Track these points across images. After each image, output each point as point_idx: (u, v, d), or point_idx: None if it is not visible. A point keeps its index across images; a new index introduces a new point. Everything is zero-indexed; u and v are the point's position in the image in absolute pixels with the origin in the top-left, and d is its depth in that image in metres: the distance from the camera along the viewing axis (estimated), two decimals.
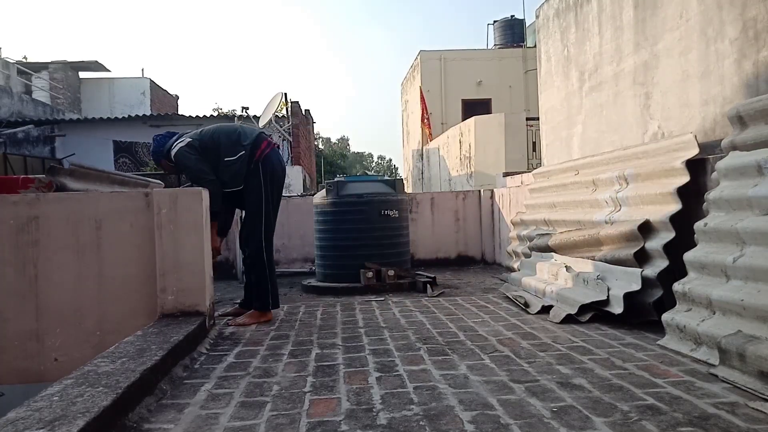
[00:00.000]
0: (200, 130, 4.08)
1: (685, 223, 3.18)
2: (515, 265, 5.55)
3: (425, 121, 16.91)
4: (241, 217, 4.48)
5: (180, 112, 18.43)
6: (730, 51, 3.74)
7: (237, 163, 3.88)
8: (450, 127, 15.22)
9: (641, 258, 3.46)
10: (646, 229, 3.50)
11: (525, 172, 7.37)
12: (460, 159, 13.16)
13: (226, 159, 3.89)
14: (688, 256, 2.92)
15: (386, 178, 6.75)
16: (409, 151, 21.31)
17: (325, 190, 5.56)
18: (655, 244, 3.39)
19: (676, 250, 3.17)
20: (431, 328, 3.50)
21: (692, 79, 4.16)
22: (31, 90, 17.93)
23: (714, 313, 2.62)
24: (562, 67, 6.53)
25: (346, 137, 69.91)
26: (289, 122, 12.92)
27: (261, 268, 3.97)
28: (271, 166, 3.98)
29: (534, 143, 11.09)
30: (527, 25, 19.32)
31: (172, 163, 4.03)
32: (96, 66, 19.62)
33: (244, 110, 12.31)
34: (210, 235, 3.56)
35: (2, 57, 17.70)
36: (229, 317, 3.94)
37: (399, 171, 50.05)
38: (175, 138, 4.03)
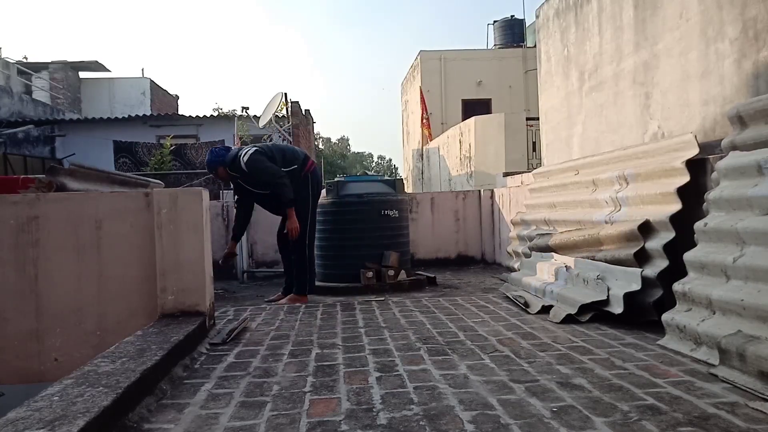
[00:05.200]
0: (259, 145, 5.03)
1: (685, 223, 3.18)
2: (515, 265, 5.55)
3: (424, 122, 16.90)
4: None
5: (180, 112, 18.43)
6: (730, 51, 3.74)
7: (290, 174, 4.73)
8: (450, 127, 15.21)
9: (641, 258, 3.46)
10: (646, 229, 3.50)
11: (525, 172, 7.37)
12: (460, 159, 13.16)
13: (282, 168, 4.72)
14: (688, 256, 2.92)
15: (386, 178, 6.75)
16: (409, 151, 21.31)
17: (325, 190, 5.56)
18: (655, 244, 3.39)
19: (676, 250, 3.18)
20: (431, 328, 3.50)
21: (692, 79, 4.16)
22: (31, 90, 17.91)
23: (714, 313, 2.62)
24: (562, 67, 6.53)
25: (346, 137, 69.81)
26: (289, 122, 12.90)
27: (303, 262, 4.87)
28: (316, 180, 4.97)
29: (534, 143, 11.08)
30: (527, 25, 19.31)
31: (233, 173, 4.73)
32: (96, 66, 19.61)
33: (244, 110, 12.29)
34: (291, 218, 4.69)
35: (2, 57, 17.69)
36: (270, 301, 4.89)
37: (399, 171, 50.00)
38: (236, 150, 4.81)
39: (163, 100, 20.82)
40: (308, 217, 4.86)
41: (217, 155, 4.80)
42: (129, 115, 14.29)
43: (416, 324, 3.63)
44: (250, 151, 4.69)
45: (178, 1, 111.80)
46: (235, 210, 5.03)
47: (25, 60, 19.37)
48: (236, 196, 5.00)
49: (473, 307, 4.18)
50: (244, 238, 6.82)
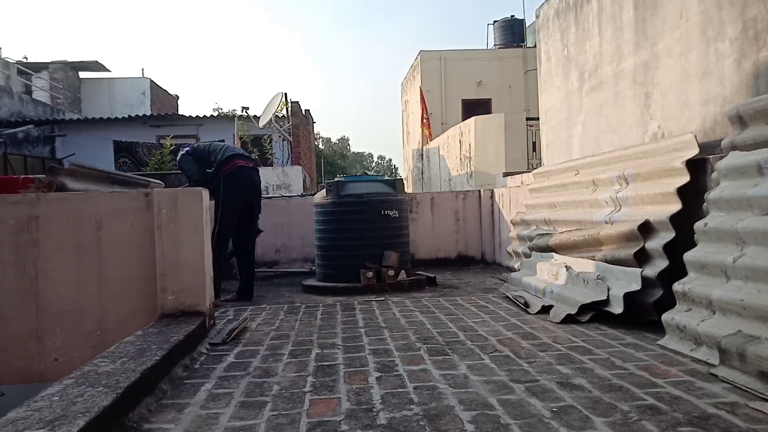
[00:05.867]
0: (200, 143, 5.26)
1: (685, 223, 3.18)
2: (515, 265, 5.54)
3: (424, 122, 16.89)
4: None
5: (180, 112, 18.42)
6: (730, 51, 3.74)
7: (210, 174, 4.92)
8: (450, 127, 15.20)
9: (641, 258, 3.46)
10: (646, 229, 3.50)
11: (525, 172, 7.37)
12: (460, 159, 13.16)
13: (206, 170, 4.95)
14: (688, 256, 2.92)
15: (386, 178, 6.75)
16: (409, 151, 21.30)
17: (325, 190, 5.56)
18: (655, 244, 3.39)
19: (676, 250, 3.18)
20: (431, 328, 3.50)
21: (692, 79, 4.16)
22: (31, 90, 17.90)
23: (714, 313, 2.62)
24: (562, 67, 6.53)
25: (346, 137, 69.81)
26: (289, 122, 12.89)
27: (216, 261, 4.50)
28: (229, 182, 4.87)
29: (534, 143, 11.08)
30: (527, 25, 19.30)
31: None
32: (96, 66, 19.59)
33: (244, 110, 12.29)
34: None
35: (2, 57, 17.67)
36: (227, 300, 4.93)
37: (399, 171, 50.00)
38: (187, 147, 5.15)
39: (163, 100, 20.81)
40: (217, 220, 4.80)
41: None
42: (129, 115, 14.29)
43: (416, 324, 3.63)
44: (183, 150, 5.03)
45: (178, 1, 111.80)
46: None
47: (25, 60, 19.36)
48: None
49: (473, 307, 4.18)
50: None
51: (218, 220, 4.81)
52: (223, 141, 12.08)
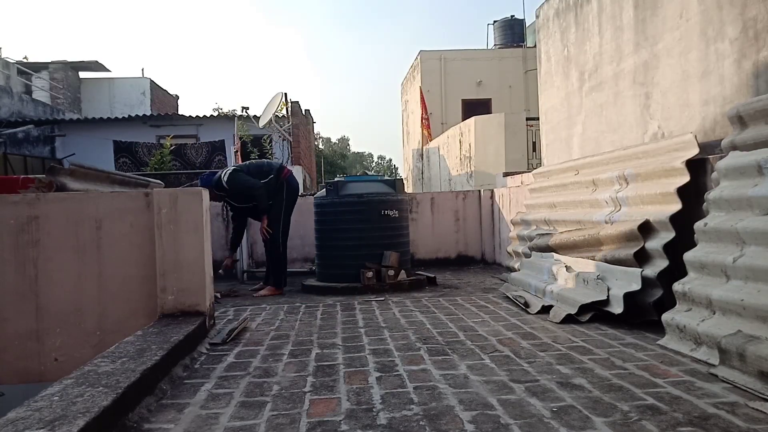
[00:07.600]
0: (237, 165, 5.92)
1: (685, 223, 3.18)
2: (515, 265, 5.54)
3: (424, 122, 16.90)
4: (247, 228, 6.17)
5: (180, 112, 18.41)
6: (730, 51, 3.74)
7: (267, 184, 5.38)
8: (450, 127, 15.21)
9: (641, 258, 3.46)
10: (646, 229, 3.50)
11: (525, 172, 7.36)
12: (460, 159, 13.16)
13: (261, 181, 5.37)
14: (688, 256, 2.92)
15: (386, 178, 6.75)
16: (409, 151, 21.30)
17: (325, 190, 5.56)
18: (655, 244, 3.39)
19: (676, 250, 3.18)
20: (431, 328, 3.50)
21: (692, 79, 4.16)
22: (31, 90, 17.89)
23: (714, 313, 2.62)
24: (562, 67, 6.53)
25: (346, 137, 69.78)
26: (289, 122, 12.89)
27: (278, 257, 5.53)
28: (291, 185, 5.57)
29: (534, 143, 11.08)
30: (527, 25, 19.31)
31: (220, 192, 5.37)
32: (96, 66, 19.59)
33: (244, 110, 12.28)
34: (263, 223, 5.44)
35: (2, 57, 17.67)
36: (254, 290, 5.56)
37: (399, 171, 49.99)
38: (219, 172, 5.51)
39: (163, 100, 20.81)
40: (281, 218, 5.49)
41: (205, 181, 5.45)
42: (129, 115, 14.28)
43: (416, 324, 3.63)
44: (229, 171, 5.48)
45: (178, 1, 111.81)
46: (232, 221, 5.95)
47: (25, 60, 19.35)
48: (231, 213, 5.90)
49: (473, 307, 4.18)
50: (243, 238, 6.83)
51: (283, 218, 5.49)
52: (222, 140, 12.15)
